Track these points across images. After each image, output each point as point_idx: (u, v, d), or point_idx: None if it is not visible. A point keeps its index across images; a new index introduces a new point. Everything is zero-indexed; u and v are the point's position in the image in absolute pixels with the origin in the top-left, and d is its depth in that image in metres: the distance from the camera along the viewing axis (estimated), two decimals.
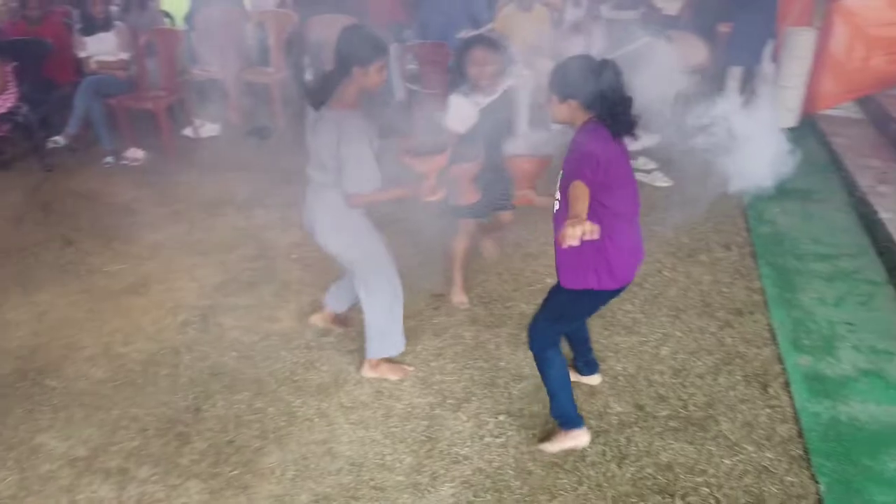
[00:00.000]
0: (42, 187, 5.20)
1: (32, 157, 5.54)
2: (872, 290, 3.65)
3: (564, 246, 1.94)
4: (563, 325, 2.73)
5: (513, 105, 5.63)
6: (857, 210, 4.43)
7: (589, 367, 3.08)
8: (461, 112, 3.23)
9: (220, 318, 3.65)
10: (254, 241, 4.42)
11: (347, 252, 2.91)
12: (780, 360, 3.16)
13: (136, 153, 5.54)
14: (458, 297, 3.74)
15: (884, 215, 4.10)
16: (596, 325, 3.47)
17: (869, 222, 4.21)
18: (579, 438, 2.73)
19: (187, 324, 3.62)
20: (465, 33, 5.65)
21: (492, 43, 3.26)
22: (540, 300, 3.67)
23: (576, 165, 2.28)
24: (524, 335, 3.41)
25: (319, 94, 2.65)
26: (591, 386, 3.07)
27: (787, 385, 3.01)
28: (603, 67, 2.32)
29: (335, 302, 3.41)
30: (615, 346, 3.31)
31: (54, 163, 5.50)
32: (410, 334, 3.44)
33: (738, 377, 3.07)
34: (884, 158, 4.90)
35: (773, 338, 3.32)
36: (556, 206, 2.44)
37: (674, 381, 3.06)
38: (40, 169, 5.43)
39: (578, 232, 1.92)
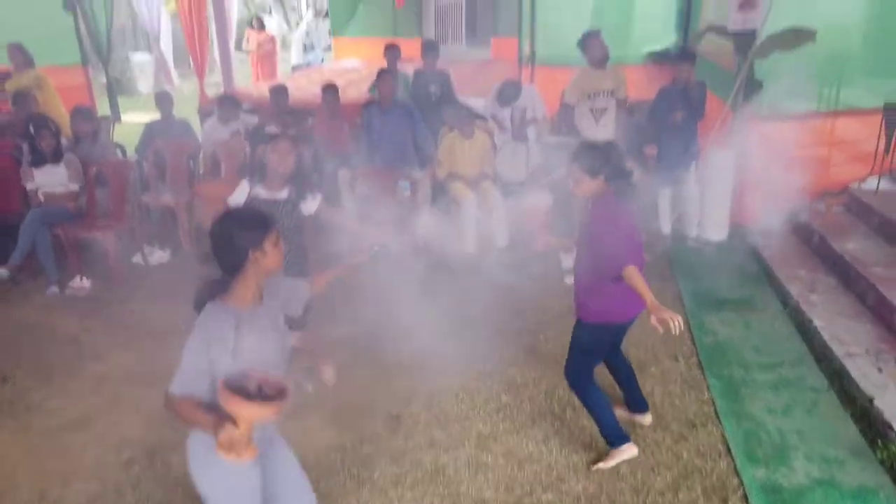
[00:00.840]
0: None
1: None
2: (816, 398, 3.79)
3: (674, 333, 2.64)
4: (591, 357, 3.26)
5: (461, 222, 5.86)
6: (792, 319, 4.64)
7: (639, 405, 3.54)
8: (240, 196, 3.73)
9: (168, 453, 3.49)
10: None
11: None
12: (737, 473, 3.20)
13: (82, 282, 5.44)
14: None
15: (818, 323, 4.32)
16: (554, 443, 3.47)
17: (805, 331, 4.42)
18: (630, 451, 3.25)
19: (132, 461, 3.45)
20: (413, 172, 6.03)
21: (296, 142, 3.76)
22: (497, 420, 3.70)
23: (616, 249, 2.90)
24: (484, 456, 3.39)
25: (206, 299, 2.22)
26: (643, 426, 3.41)
27: (745, 498, 3.03)
28: (616, 149, 3.05)
29: None
30: (574, 465, 3.30)
31: None
32: (367, 461, 3.37)
33: (698, 492, 3.08)
34: (810, 269, 5.21)
35: (728, 450, 3.37)
36: (576, 254, 3.21)
37: (635, 499, 3.05)
38: None
39: (675, 326, 2.62)
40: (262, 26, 12.23)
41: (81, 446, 3.60)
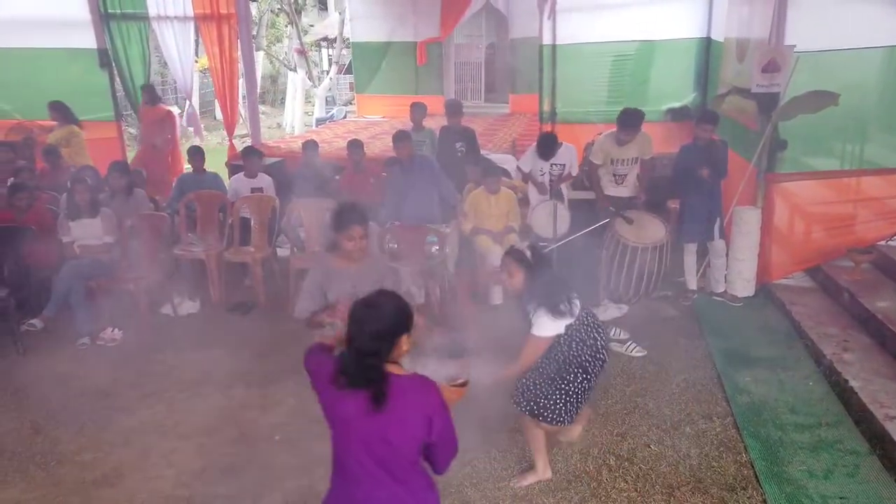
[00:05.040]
0: (14, 372, 5.03)
1: (6, 340, 5.32)
2: (857, 461, 3.70)
3: None
4: None
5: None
6: (826, 378, 4.57)
7: None
8: None
9: None
10: (234, 422, 4.31)
11: None
12: None
13: (113, 334, 5.49)
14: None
15: (854, 384, 4.25)
16: None
17: (841, 391, 4.34)
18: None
19: None
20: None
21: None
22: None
23: None
24: None
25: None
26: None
27: None
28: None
29: None
30: None
31: (28, 346, 5.34)
32: None
33: None
34: (842, 326, 5.16)
35: None
36: None
37: None
38: (14, 353, 5.27)
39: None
40: (153, 100, 8.92)
41: (112, 501, 3.60)
